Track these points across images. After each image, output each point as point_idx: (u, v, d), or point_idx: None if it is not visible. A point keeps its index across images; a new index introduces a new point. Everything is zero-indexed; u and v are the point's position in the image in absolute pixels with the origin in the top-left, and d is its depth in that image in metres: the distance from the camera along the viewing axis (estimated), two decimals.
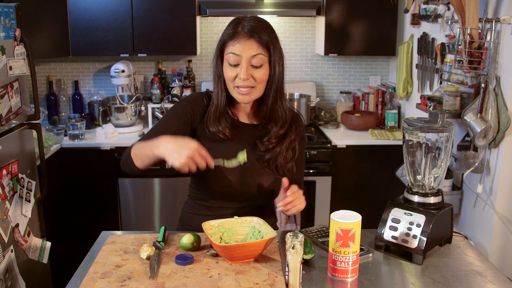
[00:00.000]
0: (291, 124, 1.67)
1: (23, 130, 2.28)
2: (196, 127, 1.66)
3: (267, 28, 1.55)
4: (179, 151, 1.35)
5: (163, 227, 1.60)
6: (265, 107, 1.62)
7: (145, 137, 1.59)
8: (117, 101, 3.46)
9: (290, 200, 1.49)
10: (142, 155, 1.51)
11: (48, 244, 2.38)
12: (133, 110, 3.37)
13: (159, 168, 3.12)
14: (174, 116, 1.65)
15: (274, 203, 1.97)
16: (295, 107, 3.40)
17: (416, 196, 1.54)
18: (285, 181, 1.52)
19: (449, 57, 2.64)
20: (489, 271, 1.43)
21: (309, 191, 3.20)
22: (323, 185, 3.21)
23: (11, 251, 2.06)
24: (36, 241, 2.32)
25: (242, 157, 1.50)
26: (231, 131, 1.63)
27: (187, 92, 3.54)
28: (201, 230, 1.51)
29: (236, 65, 1.52)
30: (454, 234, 1.63)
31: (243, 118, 1.68)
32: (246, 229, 1.53)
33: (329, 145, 3.19)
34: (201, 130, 1.65)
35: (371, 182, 3.28)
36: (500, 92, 2.24)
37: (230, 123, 1.63)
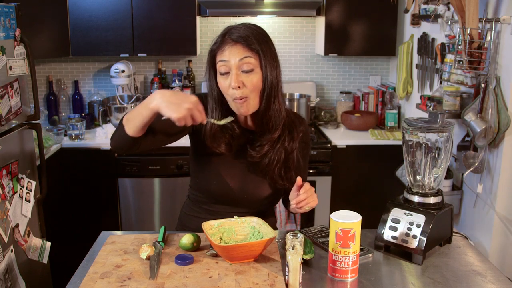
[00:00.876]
0: (289, 129, 1.61)
1: (23, 130, 2.28)
2: (193, 128, 1.62)
3: (256, 33, 1.50)
4: (178, 103, 1.31)
5: (163, 227, 1.60)
6: (259, 113, 1.55)
7: None
8: (117, 101, 3.46)
9: (303, 198, 1.47)
10: (134, 116, 1.40)
11: (48, 244, 2.38)
12: None
13: (159, 168, 3.15)
14: None
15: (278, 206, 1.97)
16: (295, 107, 3.41)
17: (416, 196, 1.54)
18: (298, 179, 1.50)
19: (449, 57, 2.64)
20: (489, 271, 1.43)
21: None
22: (323, 185, 3.21)
23: (11, 251, 2.06)
24: (36, 241, 2.32)
25: (230, 118, 1.52)
26: (228, 145, 1.59)
27: (187, 92, 3.54)
28: (201, 231, 1.51)
29: (228, 73, 1.47)
30: (454, 234, 1.63)
31: (242, 123, 1.63)
32: (246, 229, 1.53)
33: (329, 145, 3.19)
34: (198, 133, 1.62)
35: (371, 182, 3.28)
36: (500, 92, 2.24)
37: (228, 138, 1.58)
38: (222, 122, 1.51)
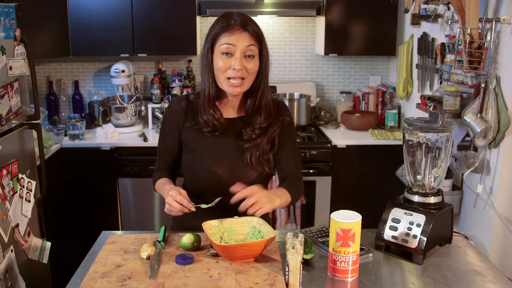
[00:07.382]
0: (275, 115, 1.71)
1: (23, 130, 2.28)
2: (181, 132, 1.73)
3: (256, 23, 1.64)
4: (165, 199, 1.55)
5: (163, 227, 1.60)
6: (253, 99, 1.67)
7: (156, 161, 1.81)
8: (117, 101, 3.46)
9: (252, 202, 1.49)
10: (161, 193, 1.71)
11: (48, 244, 2.38)
12: (133, 110, 3.37)
13: None
14: (164, 134, 1.78)
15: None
16: (295, 107, 3.41)
17: (416, 196, 1.54)
18: (236, 187, 1.55)
19: (449, 57, 2.64)
20: (489, 271, 1.43)
21: (309, 191, 3.20)
22: (323, 185, 3.21)
23: (11, 251, 2.06)
24: (36, 241, 2.32)
25: (217, 200, 1.58)
26: (213, 129, 1.68)
27: (187, 92, 3.54)
28: (198, 228, 1.52)
29: (229, 55, 1.57)
30: (454, 234, 1.64)
31: (229, 112, 1.72)
32: (246, 229, 1.53)
33: (329, 145, 3.19)
34: (186, 131, 1.71)
35: (371, 182, 3.28)
36: (500, 92, 2.24)
37: (213, 126, 1.67)
38: (211, 204, 1.57)
